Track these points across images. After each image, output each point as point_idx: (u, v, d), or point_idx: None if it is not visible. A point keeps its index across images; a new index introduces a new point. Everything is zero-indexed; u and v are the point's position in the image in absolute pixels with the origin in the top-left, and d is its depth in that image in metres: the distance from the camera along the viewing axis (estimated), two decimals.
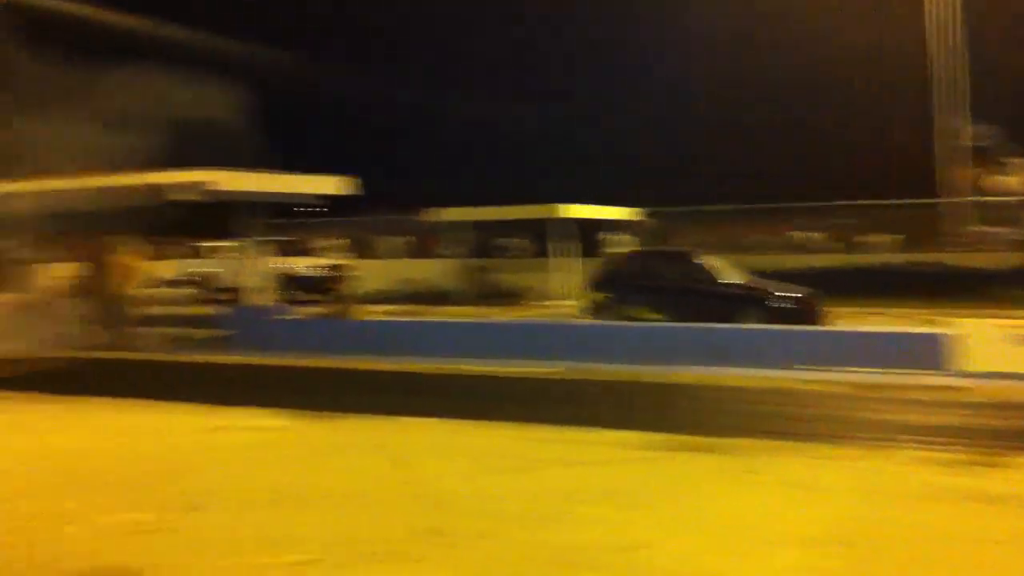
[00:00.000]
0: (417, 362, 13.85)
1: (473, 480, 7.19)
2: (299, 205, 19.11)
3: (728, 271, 18.37)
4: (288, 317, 17.40)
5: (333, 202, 19.94)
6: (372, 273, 29.79)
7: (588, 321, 17.60)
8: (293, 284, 26.43)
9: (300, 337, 16.09)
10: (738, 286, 17.82)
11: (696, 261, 18.51)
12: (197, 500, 6.71)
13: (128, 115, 18.70)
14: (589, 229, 27.80)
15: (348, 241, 34.75)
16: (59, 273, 18.23)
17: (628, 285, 18.47)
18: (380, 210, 39.75)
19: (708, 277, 17.98)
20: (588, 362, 13.14)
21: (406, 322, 17.61)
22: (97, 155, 17.50)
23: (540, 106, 44.73)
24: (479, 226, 28.95)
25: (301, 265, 27.56)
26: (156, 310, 18.26)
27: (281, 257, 24.70)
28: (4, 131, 17.69)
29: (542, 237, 27.59)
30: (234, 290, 23.08)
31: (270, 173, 16.79)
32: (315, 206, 18.92)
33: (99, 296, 17.05)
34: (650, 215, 29.32)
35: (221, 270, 27.73)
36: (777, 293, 17.31)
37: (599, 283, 19.37)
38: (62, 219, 19.12)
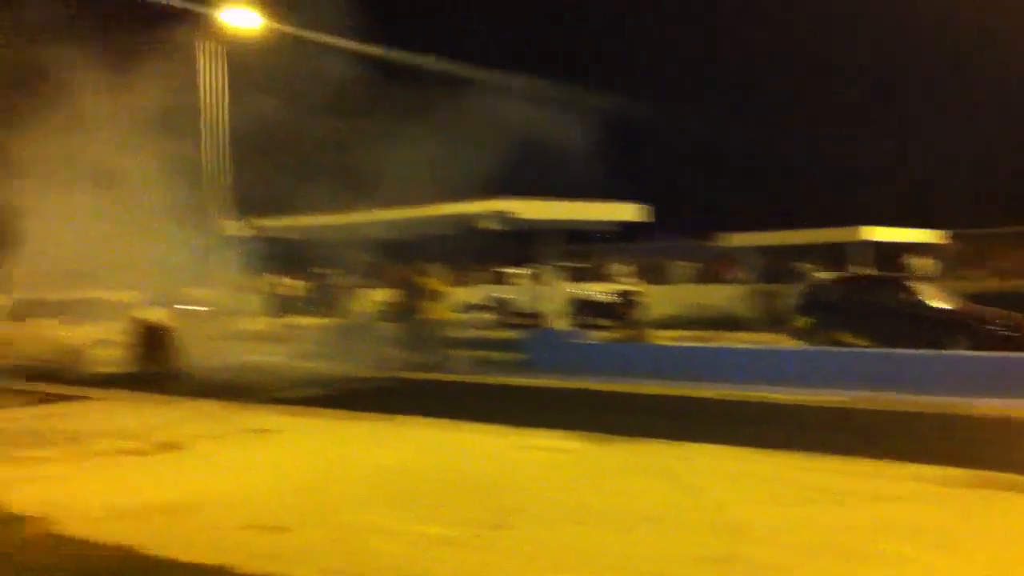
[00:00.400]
0: (707, 388, 13.93)
1: (765, 509, 7.19)
2: (591, 231, 19.63)
3: (938, 296, 17.95)
4: (583, 341, 17.92)
5: (621, 227, 20.38)
6: (662, 298, 30.01)
7: (877, 349, 17.02)
8: (586, 308, 27.11)
9: (595, 361, 16.55)
10: (948, 311, 17.39)
11: (905, 285, 18.37)
12: (503, 518, 7.13)
13: (449, 143, 20.05)
14: (890, 253, 26.73)
15: (636, 266, 35.18)
16: (376, 298, 19.70)
17: (833, 309, 18.42)
18: (666, 235, 39.96)
19: (917, 301, 17.61)
20: (874, 391, 12.81)
21: (696, 347, 17.69)
22: (425, 182, 18.88)
23: (830, 129, 43.37)
24: (770, 251, 28.50)
25: (593, 290, 28.21)
26: (461, 333, 19.30)
27: (574, 282, 25.42)
28: (349, 159, 19.34)
29: (838, 261, 26.79)
30: (532, 314, 24.01)
31: (565, 200, 17.36)
32: (606, 232, 19.37)
33: (411, 319, 18.27)
34: (953, 237, 27.78)
35: (519, 295, 28.87)
36: (991, 319, 16.81)
37: (804, 307, 19.27)
38: (378, 246, 20.75)
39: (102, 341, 17.03)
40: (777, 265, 29.49)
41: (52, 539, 6.67)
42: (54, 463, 9.58)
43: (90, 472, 9.20)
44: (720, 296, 29.80)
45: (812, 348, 15.78)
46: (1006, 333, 16.23)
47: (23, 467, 9.41)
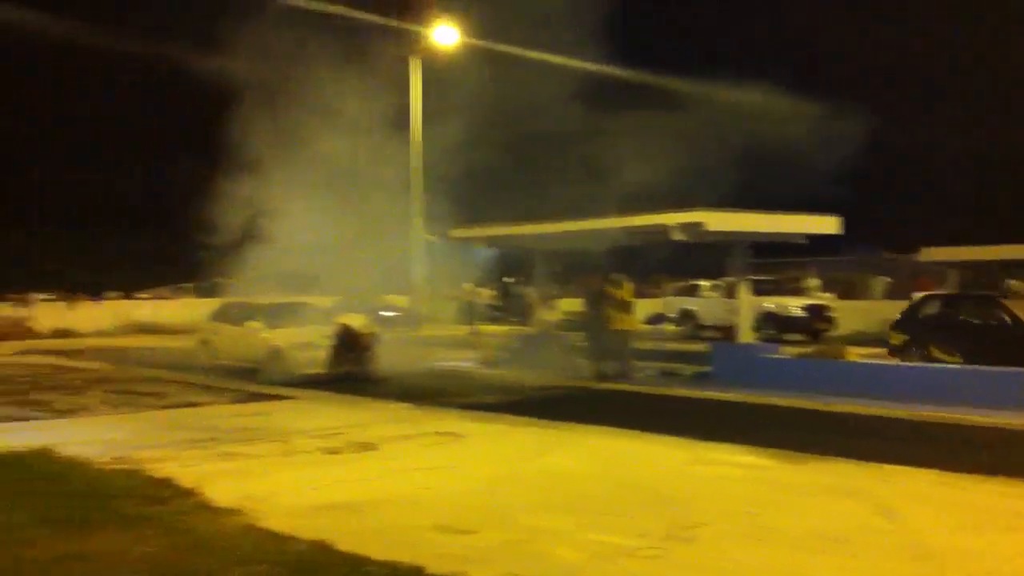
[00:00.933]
0: (902, 408, 13.42)
1: (962, 536, 6.89)
2: (783, 243, 19.15)
3: None
4: (772, 356, 17.54)
5: (813, 240, 19.84)
6: (855, 313, 29.00)
7: None
8: (775, 322, 26.52)
9: (783, 376, 16.16)
10: None
11: (998, 303, 17.74)
12: (685, 531, 7.10)
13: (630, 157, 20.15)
14: None
15: (828, 280, 34.11)
16: (565, 307, 19.88)
17: (926, 327, 18.21)
18: (861, 248, 38.52)
19: (1013, 320, 16.99)
20: None
21: (891, 365, 17.00)
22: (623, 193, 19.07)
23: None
24: (974, 266, 27.06)
25: (783, 303, 27.53)
26: (646, 344, 19.25)
27: (763, 295, 24.88)
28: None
29: None
30: (719, 327, 23.70)
31: (758, 212, 17.02)
32: (798, 244, 18.86)
33: (598, 329, 18.33)
34: None
35: (707, 307, 28.51)
36: None
37: (898, 325, 19.10)
38: (570, 256, 20.99)
39: (304, 344, 17.85)
40: (982, 281, 27.96)
41: (254, 531, 7.07)
42: (258, 459, 10.15)
43: (291, 469, 9.70)
44: None
45: (1014, 370, 14.91)
46: None
47: (231, 462, 10.01)
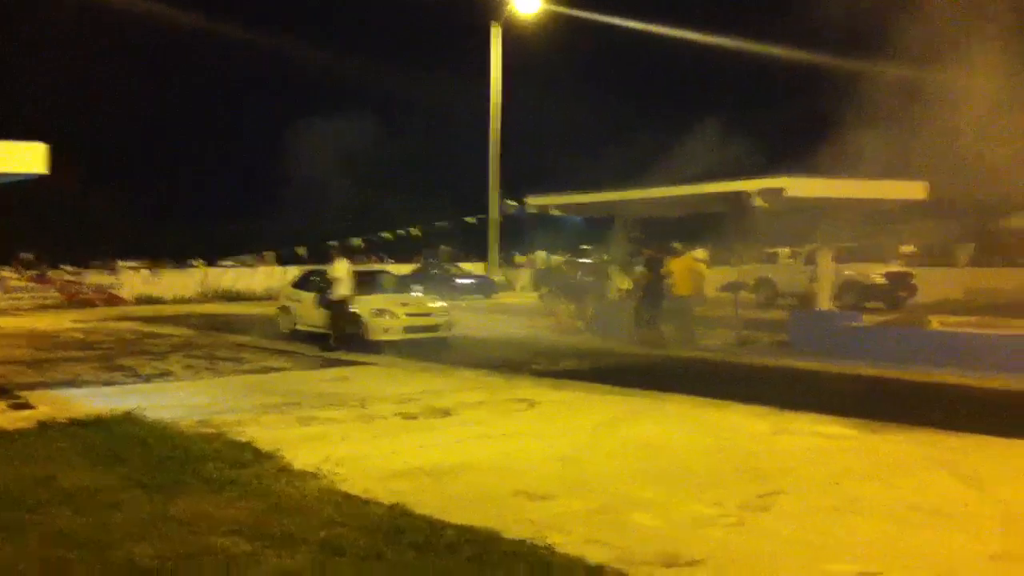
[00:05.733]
0: (989, 377, 13.07)
1: None
2: (869, 210, 18.66)
3: None
4: (853, 324, 17.20)
5: (901, 206, 19.33)
6: (941, 281, 28.29)
7: None
8: (854, 290, 25.99)
9: (865, 345, 15.83)
10: None
11: None
12: (767, 500, 7.01)
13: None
14: None
15: (913, 247, 33.30)
16: (637, 275, 19.72)
17: None
18: (946, 214, 37.44)
19: None
20: None
21: (978, 334, 16.50)
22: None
23: None
24: None
25: (862, 271, 26.95)
26: (721, 313, 19.02)
27: (844, 262, 24.37)
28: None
29: None
30: (795, 295, 23.31)
31: (839, 178, 16.60)
32: (884, 211, 18.37)
33: (669, 298, 18.16)
34: None
35: (787, 275, 28.04)
36: None
37: None
38: (650, 224, 20.81)
39: (381, 311, 17.97)
40: None
41: (335, 495, 7.14)
42: (337, 423, 10.26)
43: (371, 433, 9.78)
44: (1004, 280, 27.74)
45: None
46: None
47: (310, 426, 10.13)
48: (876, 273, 27.05)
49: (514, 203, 34.16)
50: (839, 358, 15.19)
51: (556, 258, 34.57)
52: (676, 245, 19.18)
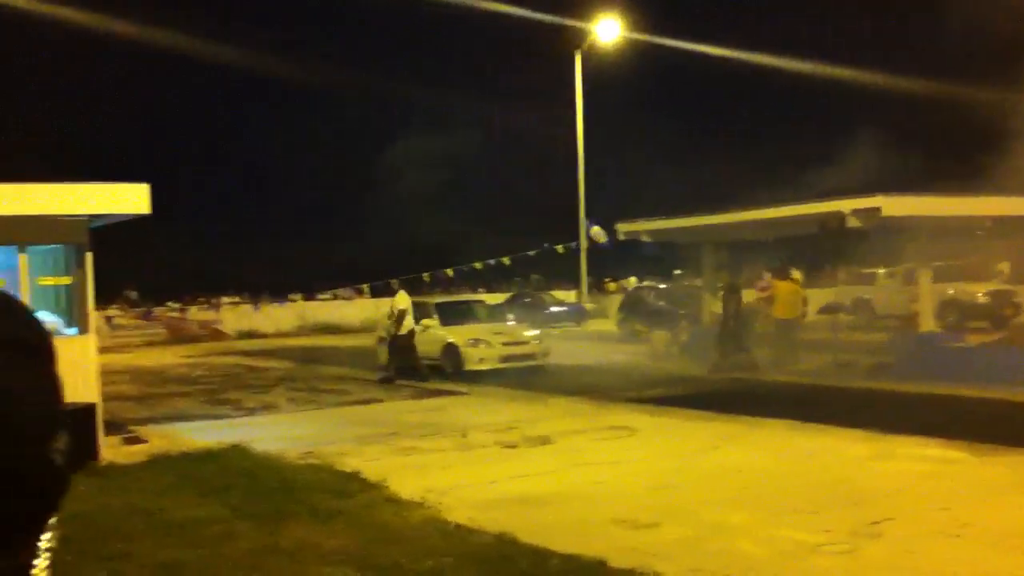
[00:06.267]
0: None
1: None
2: (967, 227, 18.17)
3: None
4: (955, 345, 16.80)
5: (998, 222, 18.79)
6: None
7: None
8: (956, 309, 25.36)
9: (967, 366, 15.43)
10: None
11: None
12: (873, 528, 6.90)
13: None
14: None
15: (1006, 264, 32.30)
16: (732, 300, 19.55)
17: None
18: None
19: None
20: None
21: None
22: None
23: None
24: None
25: (964, 289, 26.27)
26: (818, 336, 18.76)
27: (944, 282, 23.80)
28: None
29: None
30: (893, 316, 22.85)
31: (937, 195, 16.25)
32: (983, 228, 17.86)
33: (768, 321, 18.00)
34: None
35: (884, 295, 27.51)
36: None
37: None
38: (741, 247, 20.64)
39: (476, 340, 18.17)
40: None
41: (439, 524, 7.27)
42: (438, 453, 10.42)
43: (469, 462, 9.92)
44: None
45: None
46: None
47: (411, 456, 10.32)
48: (979, 292, 26.35)
49: (600, 230, 34.06)
50: (942, 380, 14.83)
51: (632, 282, 34.50)
52: (793, 271, 19.04)
